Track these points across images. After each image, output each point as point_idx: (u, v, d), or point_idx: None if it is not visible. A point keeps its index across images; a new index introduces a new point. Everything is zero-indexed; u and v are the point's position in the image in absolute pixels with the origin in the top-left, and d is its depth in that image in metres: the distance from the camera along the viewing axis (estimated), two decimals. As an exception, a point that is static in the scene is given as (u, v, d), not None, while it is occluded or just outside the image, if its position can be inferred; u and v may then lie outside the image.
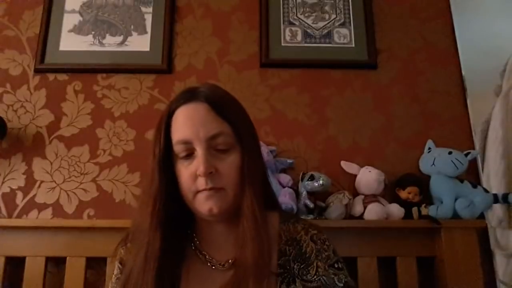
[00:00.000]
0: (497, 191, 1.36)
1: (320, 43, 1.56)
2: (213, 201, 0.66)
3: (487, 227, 1.35)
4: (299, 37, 1.56)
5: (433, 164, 1.34)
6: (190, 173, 0.67)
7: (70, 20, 1.57)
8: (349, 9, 1.61)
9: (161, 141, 0.69)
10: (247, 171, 0.69)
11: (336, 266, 0.70)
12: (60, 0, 1.59)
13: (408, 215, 1.29)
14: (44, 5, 1.57)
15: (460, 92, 1.52)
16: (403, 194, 1.33)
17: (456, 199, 1.28)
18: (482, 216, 1.32)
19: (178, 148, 0.68)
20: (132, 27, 1.56)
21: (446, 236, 1.23)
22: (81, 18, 1.57)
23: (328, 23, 1.59)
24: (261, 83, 1.52)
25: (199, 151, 0.67)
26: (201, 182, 0.66)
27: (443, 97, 1.52)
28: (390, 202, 1.33)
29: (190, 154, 0.68)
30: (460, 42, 1.57)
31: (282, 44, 1.55)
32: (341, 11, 1.61)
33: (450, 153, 1.33)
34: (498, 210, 1.37)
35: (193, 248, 0.74)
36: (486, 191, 1.32)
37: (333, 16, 1.60)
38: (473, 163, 1.42)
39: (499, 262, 1.33)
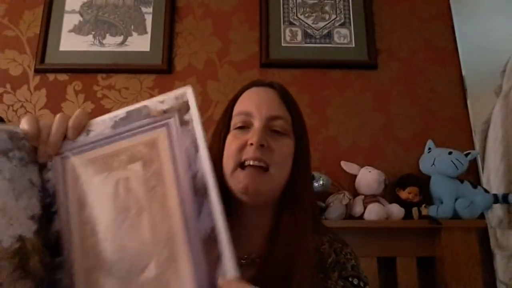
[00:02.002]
0: (497, 191, 1.36)
1: (320, 43, 1.56)
2: (252, 179, 0.62)
3: (487, 227, 1.35)
4: (299, 37, 1.56)
5: (433, 164, 1.34)
6: (240, 143, 0.64)
7: (70, 20, 1.57)
8: (349, 9, 1.61)
9: (225, 117, 0.69)
10: (300, 161, 0.67)
11: (350, 280, 0.64)
12: (60, 0, 1.59)
13: (408, 215, 1.29)
14: (44, 5, 1.57)
15: (460, 92, 1.53)
16: (403, 194, 1.33)
17: (456, 199, 1.28)
18: (482, 216, 1.32)
19: (236, 119, 0.67)
20: (132, 27, 1.56)
21: (446, 236, 1.23)
22: (81, 18, 1.58)
23: (328, 23, 1.59)
24: (261, 83, 1.52)
25: (257, 125, 0.65)
26: (249, 151, 0.62)
27: (443, 97, 1.52)
28: (390, 202, 1.33)
29: (245, 127, 0.66)
30: (460, 42, 1.57)
31: (282, 44, 1.55)
32: (341, 11, 1.61)
33: (450, 153, 1.33)
34: (498, 210, 1.37)
35: None
36: (486, 191, 1.32)
37: (333, 16, 1.60)
38: (473, 163, 1.42)
39: (499, 262, 1.33)
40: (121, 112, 0.48)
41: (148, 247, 0.41)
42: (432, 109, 1.51)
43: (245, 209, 0.66)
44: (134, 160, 0.45)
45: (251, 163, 0.62)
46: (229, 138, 0.66)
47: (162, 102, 0.47)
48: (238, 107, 0.69)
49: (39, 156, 0.47)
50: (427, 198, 1.35)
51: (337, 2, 1.62)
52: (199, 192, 0.42)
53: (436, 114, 1.50)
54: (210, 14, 1.60)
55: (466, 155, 1.33)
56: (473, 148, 1.45)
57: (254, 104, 0.67)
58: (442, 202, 1.30)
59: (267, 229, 0.66)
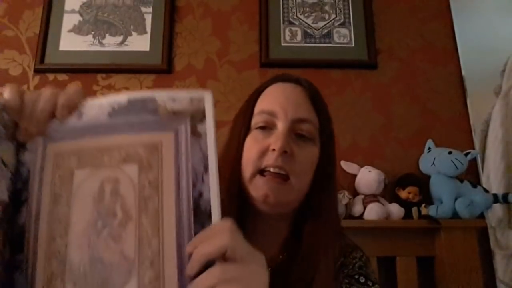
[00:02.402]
0: (497, 191, 1.36)
1: (320, 43, 1.56)
2: (273, 188, 0.57)
3: (487, 227, 1.35)
4: (299, 37, 1.56)
5: (433, 164, 1.34)
6: (261, 147, 0.58)
7: (70, 20, 1.57)
8: (349, 9, 1.61)
9: (245, 114, 0.63)
10: (324, 171, 0.62)
11: (356, 277, 0.62)
12: (60, 0, 1.59)
13: (408, 215, 1.29)
14: (44, 5, 1.57)
15: (460, 92, 1.53)
16: (403, 194, 1.33)
17: (456, 199, 1.28)
18: (482, 216, 1.32)
19: (258, 118, 0.61)
20: (132, 27, 1.56)
21: (446, 236, 1.23)
22: (81, 18, 1.57)
23: (328, 23, 1.59)
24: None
25: (280, 127, 0.59)
26: (270, 158, 0.57)
27: (443, 97, 1.52)
28: (390, 202, 1.33)
29: (267, 128, 0.60)
30: (460, 42, 1.57)
31: (282, 44, 1.55)
32: (341, 11, 1.61)
33: (450, 153, 1.33)
34: (498, 210, 1.37)
35: None
36: (486, 191, 1.32)
37: (333, 16, 1.60)
38: (473, 163, 1.42)
39: (499, 261, 1.33)
40: (122, 99, 0.40)
41: (130, 263, 0.36)
42: (432, 108, 1.51)
43: (262, 217, 0.62)
44: (129, 161, 0.38)
45: (272, 170, 0.57)
46: (249, 140, 0.60)
47: (173, 100, 0.39)
48: (260, 105, 0.63)
49: (18, 133, 0.40)
50: (426, 197, 1.35)
51: (336, 1, 1.62)
52: (201, 217, 0.36)
53: (436, 113, 1.50)
54: (209, 14, 1.60)
55: (466, 154, 1.33)
56: (473, 148, 1.45)
57: (279, 103, 0.61)
58: (442, 202, 1.30)
59: (282, 238, 0.63)
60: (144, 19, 1.57)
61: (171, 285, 0.35)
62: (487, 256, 1.34)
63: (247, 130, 0.62)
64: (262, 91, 0.65)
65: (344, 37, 1.57)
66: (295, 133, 0.60)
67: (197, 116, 0.39)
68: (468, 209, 1.26)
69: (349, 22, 1.59)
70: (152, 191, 0.37)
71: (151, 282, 0.35)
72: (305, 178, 0.60)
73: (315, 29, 1.58)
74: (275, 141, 0.58)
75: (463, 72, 1.54)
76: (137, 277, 0.35)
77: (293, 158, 0.58)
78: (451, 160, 1.31)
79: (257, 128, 0.61)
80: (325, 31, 1.58)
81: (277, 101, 0.61)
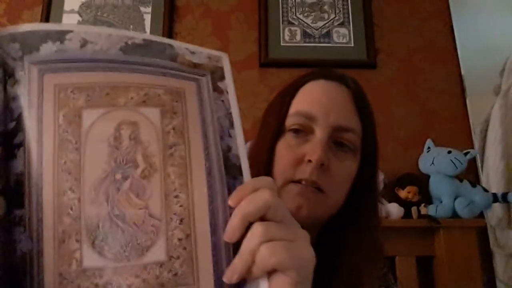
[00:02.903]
0: (496, 190, 1.36)
1: (319, 42, 1.56)
2: (306, 200, 0.51)
3: (486, 226, 1.35)
4: (298, 37, 1.56)
5: (433, 163, 1.34)
6: (295, 156, 0.52)
7: (69, 20, 1.57)
8: (348, 9, 1.61)
9: (278, 114, 0.55)
10: (363, 187, 0.55)
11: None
12: (59, 0, 1.59)
13: (407, 214, 1.28)
14: (43, 5, 1.57)
15: (459, 91, 1.53)
16: (403, 193, 1.33)
17: (455, 199, 1.28)
18: (481, 216, 1.33)
19: (293, 120, 0.54)
20: (131, 27, 1.56)
21: (445, 235, 1.23)
22: (80, 18, 1.57)
23: (327, 22, 1.59)
24: (261, 83, 1.52)
25: (319, 135, 0.52)
26: (304, 171, 0.51)
27: (442, 97, 1.52)
28: (389, 202, 1.33)
29: (301, 131, 0.53)
30: (459, 41, 1.57)
31: (281, 44, 1.55)
32: (340, 11, 1.61)
33: (449, 152, 1.33)
34: (497, 209, 1.37)
35: None
36: (485, 190, 1.32)
37: (332, 15, 1.60)
38: (472, 163, 1.42)
39: (499, 261, 1.33)
40: (136, 36, 0.35)
41: (156, 221, 0.31)
42: (431, 108, 1.51)
43: None
44: (149, 104, 0.33)
45: (304, 183, 0.51)
46: (282, 146, 0.53)
47: (192, 52, 0.36)
48: (298, 104, 0.55)
49: None
50: (426, 197, 1.35)
51: (336, 1, 1.62)
52: (231, 171, 0.33)
53: (436, 113, 1.50)
54: (209, 14, 1.60)
55: (465, 154, 1.33)
56: (473, 147, 1.45)
57: (319, 105, 0.53)
58: (441, 202, 1.30)
59: None
60: (143, 19, 1.57)
61: (204, 244, 0.31)
62: (486, 256, 1.34)
63: (279, 131, 0.54)
64: (301, 86, 0.57)
65: (343, 37, 1.57)
66: (334, 141, 0.53)
67: (217, 74, 0.36)
68: (468, 208, 1.26)
69: (349, 22, 1.59)
70: (178, 138, 0.33)
71: (182, 242, 0.31)
72: (339, 193, 0.54)
73: (315, 29, 1.58)
74: (312, 151, 0.51)
75: (463, 72, 1.54)
76: (165, 237, 0.31)
77: (330, 172, 0.51)
78: (451, 160, 1.31)
79: (290, 130, 0.54)
80: (325, 31, 1.58)
81: (317, 103, 0.54)
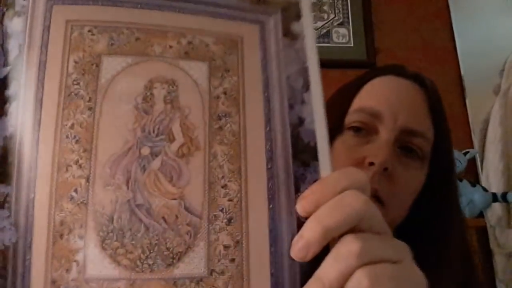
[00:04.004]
0: (496, 190, 1.36)
1: (318, 42, 1.56)
2: None
3: (486, 226, 1.35)
4: (297, 37, 1.57)
5: (432, 163, 1.34)
6: (354, 158, 0.45)
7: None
8: (347, 9, 1.61)
9: (340, 108, 0.48)
10: (436, 203, 0.48)
11: None
12: (59, 1, 1.59)
13: (407, 214, 1.28)
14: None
15: (459, 91, 1.52)
16: (402, 193, 1.33)
17: (455, 198, 1.28)
18: (481, 215, 1.32)
19: (354, 116, 0.47)
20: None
21: (445, 235, 1.23)
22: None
23: (327, 22, 1.59)
24: (260, 83, 1.52)
25: (384, 135, 0.45)
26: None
27: (442, 96, 1.52)
28: (389, 201, 1.33)
29: (363, 130, 0.46)
30: (459, 41, 1.57)
31: (281, 44, 1.55)
32: (339, 11, 1.61)
33: (449, 152, 1.33)
34: (497, 209, 1.37)
35: None
36: (485, 190, 1.32)
37: (332, 15, 1.60)
38: (472, 162, 1.42)
39: (499, 261, 1.33)
40: None
41: (194, 219, 0.22)
42: (431, 108, 1.51)
43: None
44: (193, 56, 0.25)
45: None
46: (340, 144, 0.46)
47: None
48: (362, 100, 0.48)
49: None
50: (426, 197, 1.35)
51: (335, 1, 1.62)
52: (302, 154, 0.24)
53: (435, 113, 1.50)
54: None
55: (465, 154, 1.33)
56: (472, 147, 1.44)
57: (387, 103, 0.47)
58: (441, 201, 1.30)
59: None
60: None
61: (260, 257, 0.22)
62: (486, 255, 1.34)
63: (337, 129, 0.47)
64: (366, 82, 0.50)
65: (343, 37, 1.57)
66: (400, 146, 0.46)
67: (291, 11, 0.27)
68: (467, 208, 1.26)
69: (348, 22, 1.59)
70: (230, 106, 0.24)
71: (228, 252, 0.22)
72: (403, 207, 0.46)
73: (314, 29, 1.58)
74: (375, 153, 0.43)
75: (462, 72, 1.54)
76: (205, 242, 0.22)
77: (393, 180, 0.44)
78: (450, 159, 1.31)
79: (350, 128, 0.47)
80: (324, 30, 1.58)
81: (385, 100, 0.47)
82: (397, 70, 0.53)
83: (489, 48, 1.60)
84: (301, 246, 0.22)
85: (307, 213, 0.23)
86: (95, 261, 0.22)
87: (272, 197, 0.23)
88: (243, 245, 0.22)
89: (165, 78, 0.24)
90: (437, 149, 0.49)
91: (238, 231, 0.23)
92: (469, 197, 1.28)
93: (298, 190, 0.24)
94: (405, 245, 0.25)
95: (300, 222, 0.23)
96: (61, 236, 0.22)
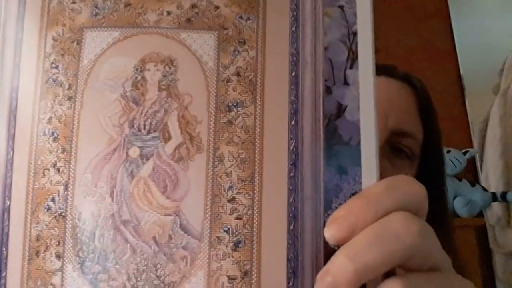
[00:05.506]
0: (495, 189, 1.36)
1: (318, 42, 1.56)
2: None
3: (485, 225, 1.35)
4: (297, 37, 1.57)
5: (432, 162, 1.34)
6: None
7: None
8: (347, 9, 1.61)
9: None
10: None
11: None
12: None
13: (406, 214, 1.28)
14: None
15: (458, 91, 1.53)
16: (402, 193, 1.33)
17: (454, 198, 1.28)
18: (480, 215, 1.32)
19: None
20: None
21: (444, 234, 1.23)
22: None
23: (326, 22, 1.59)
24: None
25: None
26: None
27: (441, 96, 1.52)
28: (388, 201, 1.33)
29: None
30: (458, 40, 1.57)
31: (280, 44, 1.55)
32: (339, 11, 1.61)
33: (448, 151, 1.33)
34: (496, 208, 1.37)
35: None
36: (484, 189, 1.32)
37: (331, 15, 1.60)
38: (471, 162, 1.42)
39: (498, 260, 1.33)
40: None
41: (192, 241, 0.18)
42: (430, 107, 1.51)
43: None
44: (199, 24, 0.19)
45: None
46: None
47: None
48: None
49: None
50: (425, 196, 1.35)
51: (335, 1, 1.62)
52: (339, 157, 0.19)
53: (434, 112, 1.50)
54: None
55: (464, 153, 1.33)
56: (472, 147, 1.45)
57: (378, 104, 0.47)
58: (440, 201, 1.30)
59: None
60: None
61: None
62: (486, 255, 1.34)
63: None
64: None
65: (342, 37, 1.57)
66: (390, 146, 0.47)
67: None
68: (467, 208, 1.26)
69: (347, 22, 1.59)
70: (244, 93, 0.19)
71: (233, 285, 0.18)
72: None
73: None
74: None
75: (461, 71, 1.54)
76: (206, 271, 0.18)
77: None
78: (450, 159, 1.31)
79: None
80: (323, 30, 1.58)
81: (376, 102, 0.48)
82: (388, 71, 0.53)
83: (488, 48, 1.60)
84: (327, 285, 0.17)
85: (337, 241, 0.17)
86: (74, 286, 0.18)
87: (293, 216, 0.18)
88: (253, 276, 0.18)
89: (160, 56, 0.19)
90: (427, 148, 0.50)
91: (247, 259, 0.18)
92: (468, 196, 1.28)
93: (329, 207, 0.18)
94: (468, 283, 0.20)
95: (330, 249, 0.18)
96: (37, 253, 0.19)
